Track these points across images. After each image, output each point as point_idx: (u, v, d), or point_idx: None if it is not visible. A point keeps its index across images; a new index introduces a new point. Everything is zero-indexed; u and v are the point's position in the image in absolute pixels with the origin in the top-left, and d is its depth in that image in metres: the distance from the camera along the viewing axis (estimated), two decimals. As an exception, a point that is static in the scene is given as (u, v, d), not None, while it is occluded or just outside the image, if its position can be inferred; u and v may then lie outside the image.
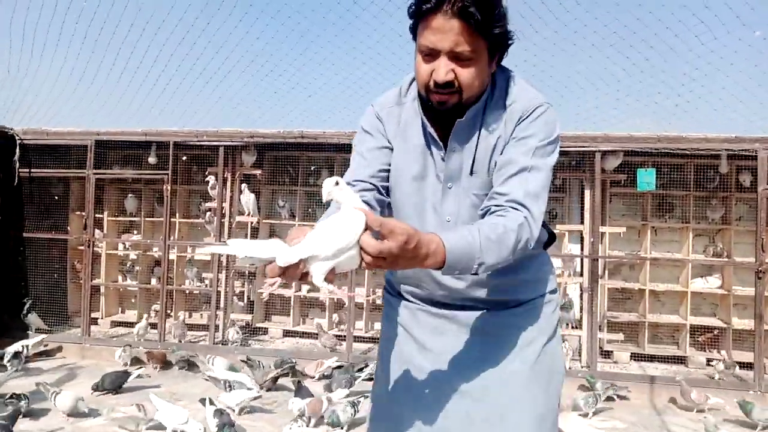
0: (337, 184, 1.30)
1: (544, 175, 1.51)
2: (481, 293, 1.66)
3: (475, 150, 1.57)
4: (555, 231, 1.87)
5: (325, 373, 5.39)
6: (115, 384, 4.82)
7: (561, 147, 1.66)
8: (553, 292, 1.77)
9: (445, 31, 1.41)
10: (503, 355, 1.64)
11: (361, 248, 1.24)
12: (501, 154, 1.55)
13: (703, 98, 5.08)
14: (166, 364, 5.75)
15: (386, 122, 1.66)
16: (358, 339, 6.23)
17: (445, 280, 1.64)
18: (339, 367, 5.42)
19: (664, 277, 6.35)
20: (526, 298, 1.70)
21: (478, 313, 1.67)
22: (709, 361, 5.89)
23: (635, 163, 5.91)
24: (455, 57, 1.44)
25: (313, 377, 5.35)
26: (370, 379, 5.18)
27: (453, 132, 1.56)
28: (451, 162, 1.59)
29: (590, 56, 5.11)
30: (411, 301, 1.75)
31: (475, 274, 1.41)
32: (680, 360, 6.00)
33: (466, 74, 1.46)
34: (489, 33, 1.43)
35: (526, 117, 1.53)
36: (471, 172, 1.58)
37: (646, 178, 5.57)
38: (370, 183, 1.62)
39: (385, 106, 1.68)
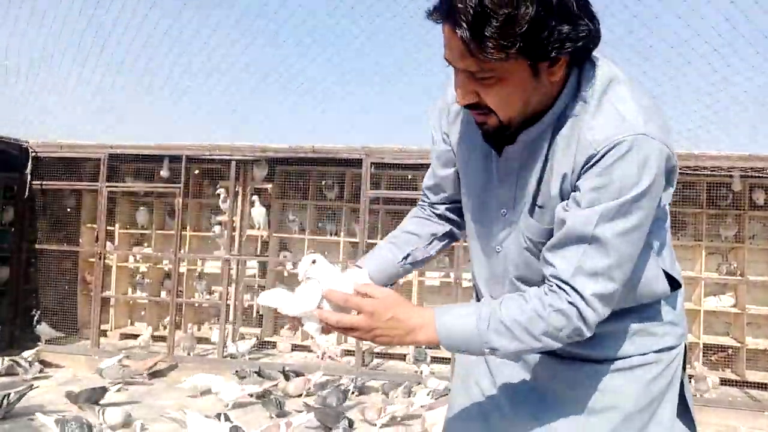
0: (314, 262, 1.35)
1: (614, 248, 1.13)
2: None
3: (537, 185, 1.23)
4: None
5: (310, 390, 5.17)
6: (90, 400, 4.63)
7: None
8: (666, 350, 1.34)
9: (452, 46, 1.09)
10: (557, 415, 1.33)
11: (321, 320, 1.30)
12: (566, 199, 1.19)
13: (718, 114, 5.03)
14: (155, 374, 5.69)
15: (452, 122, 1.42)
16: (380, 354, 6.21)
17: None
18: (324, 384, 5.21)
19: (676, 295, 6.28)
20: (616, 355, 1.31)
21: (547, 358, 1.36)
22: (722, 381, 5.81)
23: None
24: (472, 76, 1.11)
25: (300, 395, 5.14)
26: (362, 393, 5.17)
27: (502, 159, 1.27)
28: (503, 189, 1.29)
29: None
30: None
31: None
32: (691, 379, 5.92)
33: (490, 98, 1.13)
34: (497, 45, 1.03)
35: (596, 161, 1.12)
36: (530, 211, 1.26)
37: (659, 196, 5.52)
38: (440, 194, 1.55)
39: (450, 103, 1.39)
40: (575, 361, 1.33)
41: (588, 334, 1.18)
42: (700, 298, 6.02)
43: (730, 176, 5.77)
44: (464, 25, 1.02)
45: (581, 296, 1.15)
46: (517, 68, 1.08)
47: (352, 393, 5.07)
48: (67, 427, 3.85)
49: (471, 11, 1.01)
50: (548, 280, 1.19)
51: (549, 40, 1.04)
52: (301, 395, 5.14)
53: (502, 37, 1.02)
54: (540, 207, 1.24)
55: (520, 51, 1.04)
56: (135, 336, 7.01)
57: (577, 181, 1.16)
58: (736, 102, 4.96)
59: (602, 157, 1.11)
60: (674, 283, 1.33)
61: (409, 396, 5.10)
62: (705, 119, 5.10)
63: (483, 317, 1.19)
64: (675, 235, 6.33)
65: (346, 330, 1.25)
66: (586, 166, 1.13)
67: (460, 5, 1.02)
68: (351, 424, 4.20)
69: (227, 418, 3.93)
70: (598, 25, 1.10)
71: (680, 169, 5.57)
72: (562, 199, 1.19)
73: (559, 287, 1.17)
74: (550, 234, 1.21)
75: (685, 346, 1.42)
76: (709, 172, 5.68)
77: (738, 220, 6.17)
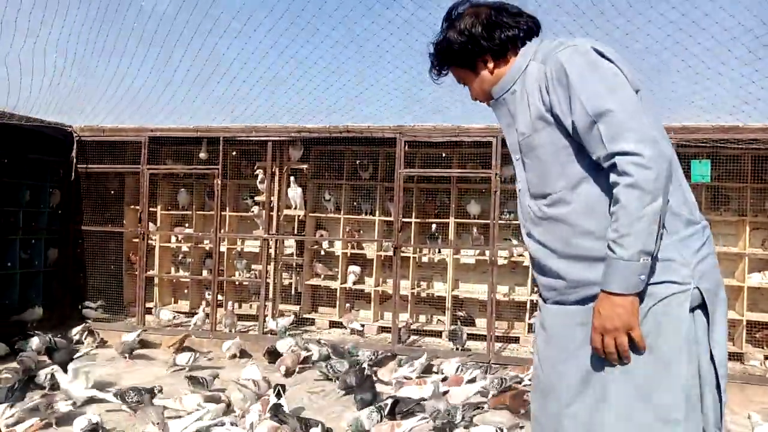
0: None
1: (614, 106, 1.50)
2: (550, 284, 1.72)
3: (516, 124, 1.75)
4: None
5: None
6: (63, 360, 4.79)
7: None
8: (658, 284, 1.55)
9: (458, 76, 1.89)
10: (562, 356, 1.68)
11: None
12: (556, 110, 1.61)
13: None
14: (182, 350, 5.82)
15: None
16: (416, 332, 6.28)
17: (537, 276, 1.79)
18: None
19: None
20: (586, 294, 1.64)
21: (552, 307, 1.73)
22: (767, 357, 5.69)
23: (689, 154, 5.72)
24: (464, 84, 1.91)
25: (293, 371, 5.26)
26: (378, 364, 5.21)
27: (499, 119, 1.86)
28: (508, 138, 1.81)
29: (646, 48, 4.95)
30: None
31: (655, 259, 1.50)
32: (737, 357, 5.81)
33: (472, 90, 1.89)
34: (455, 61, 1.82)
35: (555, 76, 1.59)
36: (519, 146, 1.75)
37: (701, 170, 5.39)
38: None
39: None
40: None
41: (665, 170, 1.47)
42: (743, 274, 5.88)
43: (777, 149, 5.57)
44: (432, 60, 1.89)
45: (623, 154, 1.47)
46: (468, 71, 1.83)
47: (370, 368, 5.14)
48: (127, 396, 4.06)
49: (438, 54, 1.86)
50: (609, 171, 1.52)
51: (474, 41, 1.75)
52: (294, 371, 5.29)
53: (451, 51, 1.81)
54: (523, 132, 1.71)
55: (462, 58, 1.80)
56: (179, 313, 7.23)
57: (549, 97, 1.61)
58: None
59: (555, 71, 1.59)
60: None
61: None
62: (751, 95, 4.92)
63: (607, 253, 1.50)
64: (717, 210, 6.16)
65: (602, 350, 1.55)
66: (552, 83, 1.60)
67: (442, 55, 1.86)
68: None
69: (283, 389, 4.05)
70: (507, 32, 1.73)
71: (723, 142, 5.38)
72: (543, 119, 1.64)
73: (609, 166, 1.51)
74: (529, 146, 1.69)
75: (703, 299, 1.57)
76: (754, 145, 5.51)
77: (785, 194, 5.98)
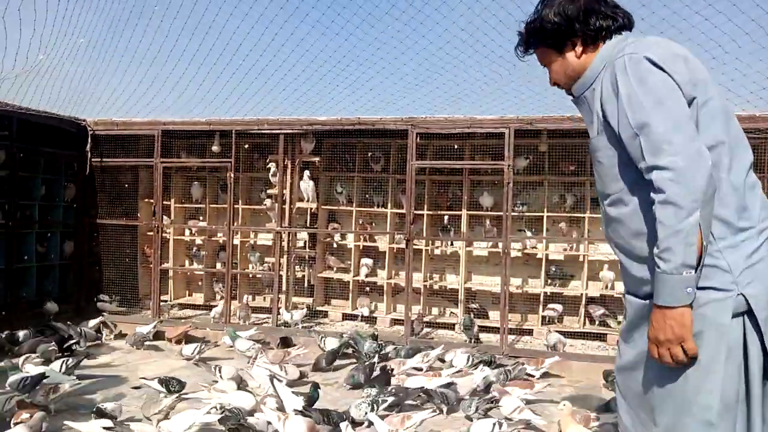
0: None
1: (655, 119, 1.55)
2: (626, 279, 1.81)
3: (593, 121, 1.79)
4: None
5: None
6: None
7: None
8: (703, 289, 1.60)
9: (540, 57, 1.94)
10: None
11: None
12: (609, 119, 1.69)
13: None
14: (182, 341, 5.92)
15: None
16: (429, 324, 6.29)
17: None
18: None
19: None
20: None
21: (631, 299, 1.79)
22: None
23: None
24: (546, 67, 1.94)
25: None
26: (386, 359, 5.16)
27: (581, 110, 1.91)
28: (590, 133, 1.84)
29: (661, 32, 4.89)
30: None
31: (698, 264, 1.53)
32: None
33: (552, 72, 1.92)
34: (544, 40, 1.85)
35: (610, 86, 1.67)
36: (591, 145, 1.82)
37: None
38: None
39: None
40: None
41: (706, 176, 1.50)
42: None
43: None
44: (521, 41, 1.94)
45: (662, 167, 1.51)
46: (554, 54, 1.87)
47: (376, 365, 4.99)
48: (170, 385, 4.15)
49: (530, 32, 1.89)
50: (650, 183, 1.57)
51: (559, 27, 1.80)
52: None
53: (540, 31, 1.86)
54: (599, 133, 1.75)
55: (550, 40, 1.85)
56: (193, 306, 7.29)
57: (605, 106, 1.69)
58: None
59: (614, 77, 1.65)
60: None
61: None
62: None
63: (659, 270, 1.54)
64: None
65: (664, 358, 1.59)
66: (613, 89, 1.66)
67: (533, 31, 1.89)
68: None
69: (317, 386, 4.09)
70: (602, 21, 1.77)
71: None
72: (602, 123, 1.72)
73: (649, 179, 1.55)
74: (604, 148, 1.73)
75: (751, 313, 1.58)
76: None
77: (803, 184, 5.89)
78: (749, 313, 1.57)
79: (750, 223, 1.61)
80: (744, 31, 4.65)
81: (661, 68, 1.58)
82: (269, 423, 3.46)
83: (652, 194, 1.54)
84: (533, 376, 4.90)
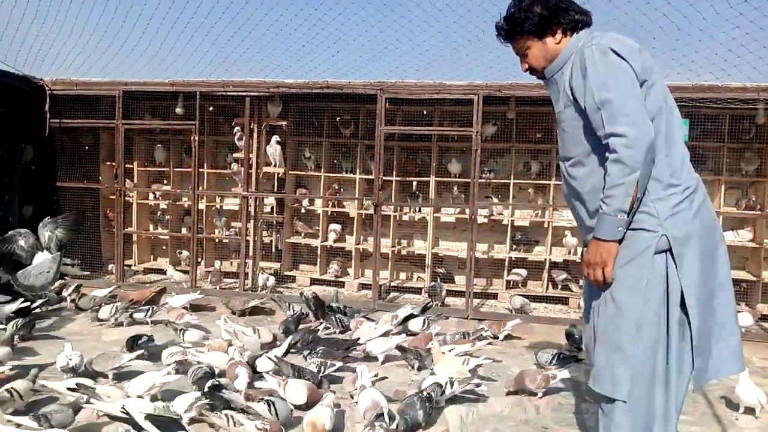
0: None
1: (614, 97, 1.96)
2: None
3: (559, 98, 2.22)
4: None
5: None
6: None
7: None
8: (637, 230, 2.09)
9: (514, 47, 2.34)
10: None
11: None
12: (576, 95, 2.10)
13: (744, 46, 4.83)
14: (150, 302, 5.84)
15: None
16: (396, 288, 6.34)
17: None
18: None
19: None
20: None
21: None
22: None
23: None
24: (522, 54, 2.32)
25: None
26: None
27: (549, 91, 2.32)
28: (556, 108, 2.27)
29: (626, 13, 4.91)
30: None
31: (630, 210, 2.01)
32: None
33: (529, 57, 2.29)
34: (530, 29, 2.21)
35: (579, 67, 2.07)
36: (557, 117, 2.25)
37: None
38: None
39: None
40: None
41: (645, 148, 1.94)
42: (717, 232, 5.99)
43: (754, 108, 5.62)
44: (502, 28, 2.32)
45: (617, 135, 1.95)
46: (534, 41, 2.25)
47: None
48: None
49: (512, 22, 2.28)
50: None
51: (541, 18, 2.20)
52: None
53: (522, 20, 2.24)
54: (562, 107, 2.20)
55: (528, 29, 2.23)
56: (158, 270, 7.20)
57: (573, 83, 2.10)
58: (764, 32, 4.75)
59: (579, 64, 2.08)
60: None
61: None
62: (731, 52, 4.91)
63: (601, 211, 2.03)
64: (695, 170, 6.22)
65: (590, 276, 2.14)
66: (579, 72, 2.08)
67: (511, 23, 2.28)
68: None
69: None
70: (578, 16, 2.20)
71: (701, 101, 5.40)
72: (569, 99, 2.14)
73: (607, 144, 1.99)
74: (568, 119, 2.17)
75: (670, 248, 2.06)
76: (732, 105, 5.55)
77: (760, 154, 6.07)
78: (671, 251, 2.04)
79: (677, 181, 2.07)
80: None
81: (622, 57, 2.00)
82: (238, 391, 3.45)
83: (607, 153, 1.98)
84: (497, 338, 5.03)
